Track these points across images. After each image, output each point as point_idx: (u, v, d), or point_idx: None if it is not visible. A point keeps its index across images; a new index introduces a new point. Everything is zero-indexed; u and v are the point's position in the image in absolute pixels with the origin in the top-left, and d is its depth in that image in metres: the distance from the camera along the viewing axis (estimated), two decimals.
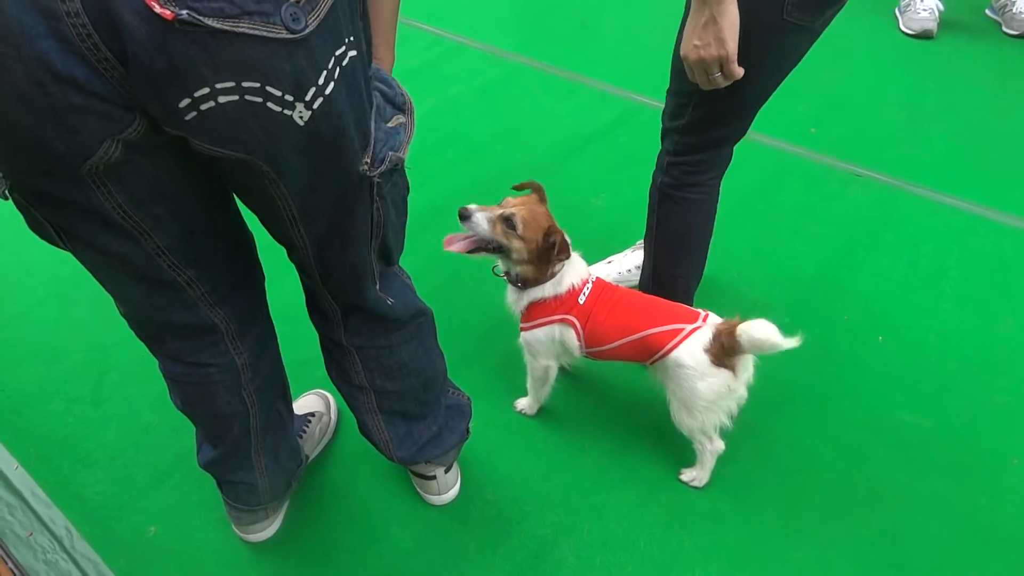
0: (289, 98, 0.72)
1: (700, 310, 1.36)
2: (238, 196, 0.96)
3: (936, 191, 2.26)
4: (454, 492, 1.44)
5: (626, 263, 1.89)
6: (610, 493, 1.45)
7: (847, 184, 2.31)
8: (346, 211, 0.91)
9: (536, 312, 1.42)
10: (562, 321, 1.40)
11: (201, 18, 0.62)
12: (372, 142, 0.86)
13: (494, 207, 1.36)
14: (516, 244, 1.33)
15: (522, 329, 1.45)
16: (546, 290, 1.39)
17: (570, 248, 1.37)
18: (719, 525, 1.40)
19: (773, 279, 1.94)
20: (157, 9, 0.61)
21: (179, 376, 1.11)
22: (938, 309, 1.85)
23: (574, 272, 1.40)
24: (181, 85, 0.67)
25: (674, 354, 1.30)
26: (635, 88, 2.82)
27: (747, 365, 1.33)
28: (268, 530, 1.39)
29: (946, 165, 2.39)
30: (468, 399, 1.42)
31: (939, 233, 2.10)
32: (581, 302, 1.39)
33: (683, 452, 1.50)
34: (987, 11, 3.35)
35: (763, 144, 2.43)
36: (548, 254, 1.32)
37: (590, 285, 1.41)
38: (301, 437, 1.48)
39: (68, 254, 1.16)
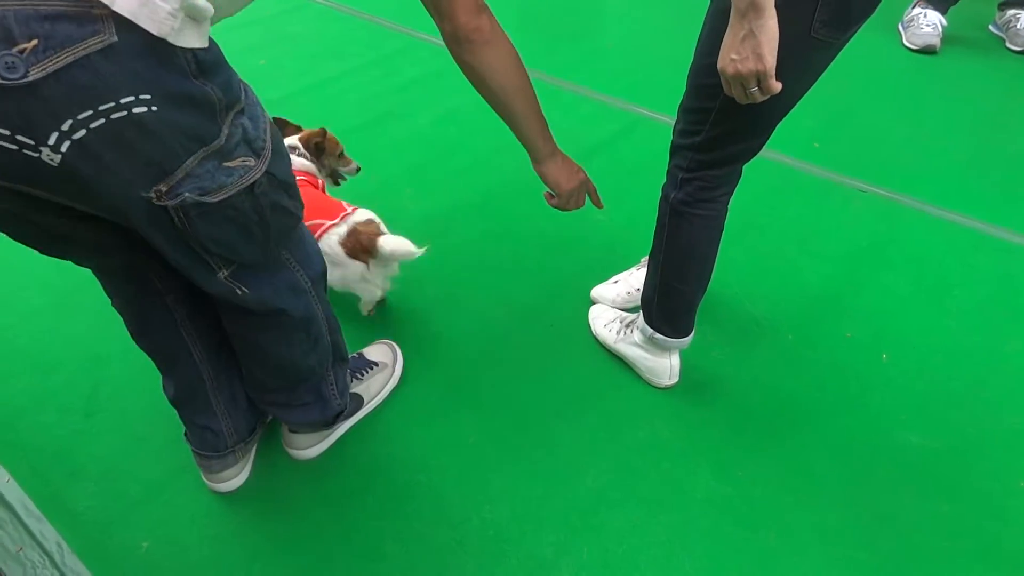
0: (26, 140, 0.75)
1: (346, 205, 1.61)
2: None
3: (940, 207, 2.25)
4: (313, 452, 1.52)
5: (633, 282, 1.87)
6: (609, 513, 1.42)
7: (851, 200, 2.30)
8: (141, 223, 0.91)
9: None
10: None
11: None
12: (178, 176, 0.86)
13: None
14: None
15: None
16: None
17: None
18: (721, 546, 1.37)
19: (776, 295, 1.92)
20: None
21: (121, 308, 1.24)
22: (943, 327, 1.83)
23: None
24: None
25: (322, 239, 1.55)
26: (637, 100, 2.82)
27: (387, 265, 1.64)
28: (238, 478, 1.45)
29: (950, 181, 2.38)
30: (345, 406, 1.47)
31: (943, 250, 2.09)
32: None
33: (686, 473, 1.48)
34: (990, 27, 3.35)
35: (766, 159, 2.41)
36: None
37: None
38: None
39: (63, 264, 1.16)
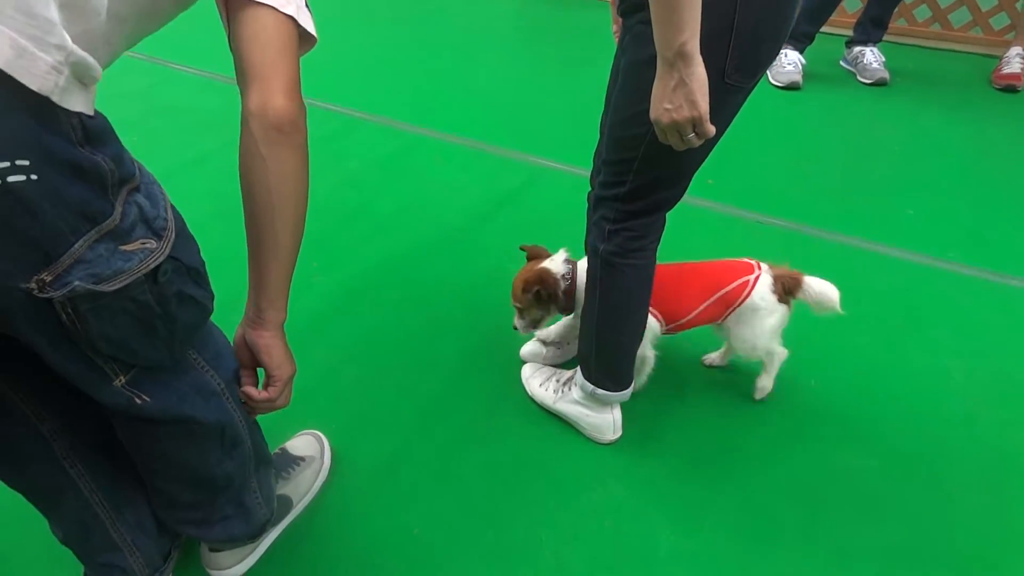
0: None
1: (750, 260, 1.60)
2: None
3: (830, 231, 2.37)
4: (239, 570, 1.35)
5: (551, 335, 1.83)
6: None
7: (752, 232, 2.39)
8: (17, 322, 0.77)
9: None
10: None
11: None
12: (65, 262, 0.73)
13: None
14: (534, 314, 1.64)
15: None
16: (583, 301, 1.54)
17: (545, 279, 1.56)
18: None
19: (695, 333, 1.93)
20: None
21: None
22: (859, 349, 1.90)
23: (581, 274, 1.57)
24: None
25: (748, 301, 1.55)
26: (536, 152, 2.84)
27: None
28: None
29: (834, 206, 2.52)
30: (271, 513, 1.30)
31: (842, 272, 2.14)
32: None
33: (647, 532, 1.42)
34: (841, 62, 3.66)
35: None
36: (544, 298, 1.58)
37: None
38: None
39: None
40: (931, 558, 1.39)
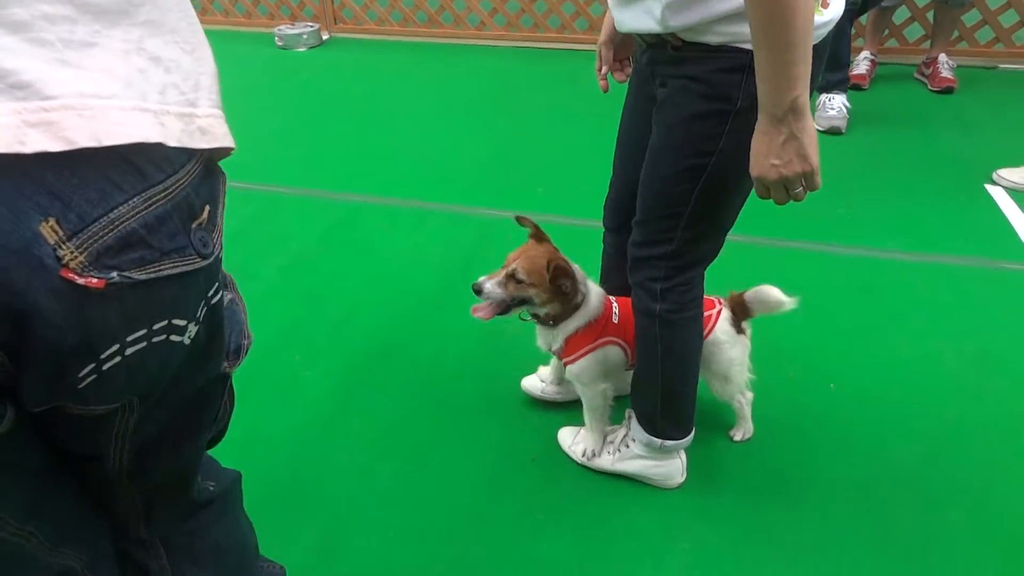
0: (187, 323, 0.67)
1: (711, 297, 1.54)
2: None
3: (778, 239, 2.50)
4: None
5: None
6: None
7: None
8: (188, 415, 0.80)
9: (576, 343, 1.51)
10: (608, 344, 1.51)
11: (130, 275, 0.57)
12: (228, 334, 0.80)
13: (499, 270, 1.46)
14: (531, 292, 1.44)
15: (566, 363, 1.54)
16: (578, 320, 1.50)
17: (573, 274, 1.45)
18: None
19: None
20: (81, 281, 0.54)
21: None
22: (848, 347, 1.99)
23: (595, 295, 1.51)
24: (90, 353, 0.59)
25: (712, 335, 1.51)
26: (482, 203, 2.80)
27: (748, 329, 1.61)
28: None
29: (771, 214, 2.66)
30: (281, 568, 1.31)
31: (811, 279, 2.29)
32: (616, 321, 1.52)
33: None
34: None
35: None
36: (560, 287, 1.44)
37: (616, 304, 1.54)
38: None
39: None
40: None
